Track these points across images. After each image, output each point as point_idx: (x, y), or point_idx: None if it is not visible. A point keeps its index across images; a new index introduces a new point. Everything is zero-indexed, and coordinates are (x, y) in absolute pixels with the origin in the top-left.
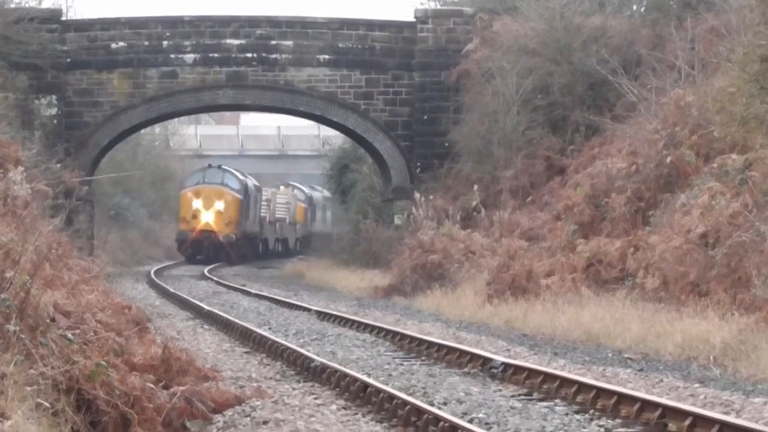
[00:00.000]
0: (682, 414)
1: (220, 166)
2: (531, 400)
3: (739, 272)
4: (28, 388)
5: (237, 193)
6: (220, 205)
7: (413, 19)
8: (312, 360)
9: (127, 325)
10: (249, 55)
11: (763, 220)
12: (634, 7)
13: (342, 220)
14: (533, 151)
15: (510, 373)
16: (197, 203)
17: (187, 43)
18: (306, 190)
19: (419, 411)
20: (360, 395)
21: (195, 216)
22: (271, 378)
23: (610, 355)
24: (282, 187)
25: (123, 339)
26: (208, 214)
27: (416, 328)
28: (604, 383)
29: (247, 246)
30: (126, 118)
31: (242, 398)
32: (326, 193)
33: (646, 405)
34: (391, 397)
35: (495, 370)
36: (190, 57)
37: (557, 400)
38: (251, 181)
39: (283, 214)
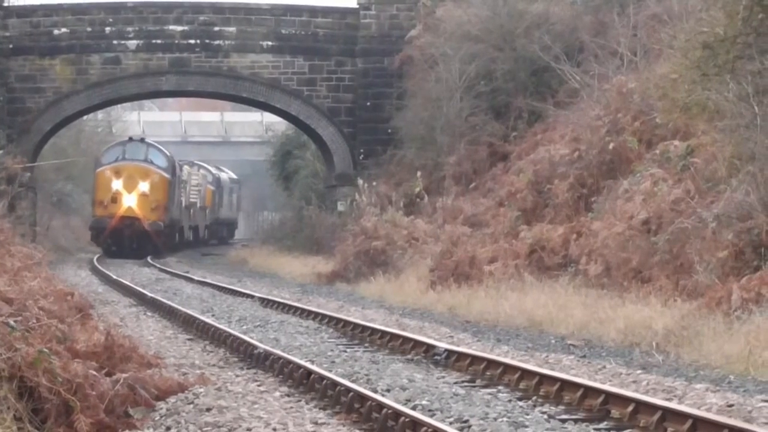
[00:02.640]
0: (624, 400)
1: (143, 140)
2: (474, 386)
3: (681, 258)
4: None
5: (164, 172)
6: (144, 186)
7: (356, 6)
8: (255, 347)
9: (69, 312)
10: (192, 41)
11: (705, 206)
12: None
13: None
14: (476, 138)
15: (453, 360)
16: (117, 184)
17: (130, 29)
18: (213, 171)
19: (362, 398)
20: (303, 382)
21: (115, 199)
22: (214, 365)
23: (553, 341)
24: (186, 167)
25: (66, 326)
26: (131, 197)
27: (359, 314)
28: (547, 370)
29: (171, 235)
30: (69, 104)
31: (185, 385)
32: (233, 175)
33: (589, 391)
34: (335, 383)
35: (438, 357)
36: (133, 43)
37: (500, 387)
38: (177, 159)
39: (195, 197)
